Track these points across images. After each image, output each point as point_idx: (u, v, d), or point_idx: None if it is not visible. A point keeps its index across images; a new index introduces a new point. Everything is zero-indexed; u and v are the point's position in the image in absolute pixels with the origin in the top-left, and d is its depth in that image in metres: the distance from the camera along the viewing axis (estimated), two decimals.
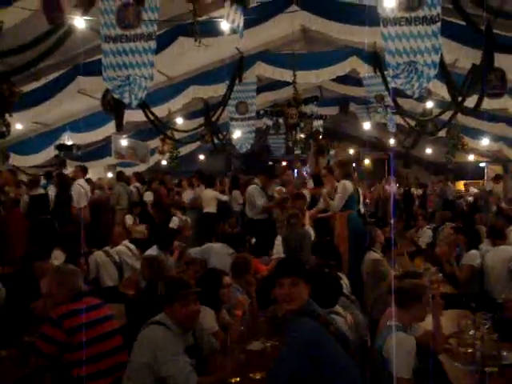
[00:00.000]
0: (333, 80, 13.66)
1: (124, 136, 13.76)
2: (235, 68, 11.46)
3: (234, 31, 6.69)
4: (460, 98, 8.76)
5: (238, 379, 3.61)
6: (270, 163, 11.25)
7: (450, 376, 3.83)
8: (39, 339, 3.98)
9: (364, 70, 12.13)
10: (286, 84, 12.52)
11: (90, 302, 4.25)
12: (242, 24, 6.59)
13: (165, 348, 3.57)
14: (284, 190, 9.95)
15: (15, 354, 4.16)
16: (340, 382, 3.32)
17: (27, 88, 8.71)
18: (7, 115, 7.79)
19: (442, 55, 7.25)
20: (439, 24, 6.62)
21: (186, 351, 3.71)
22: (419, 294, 3.99)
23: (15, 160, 11.92)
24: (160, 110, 11.39)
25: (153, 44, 6.95)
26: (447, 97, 9.35)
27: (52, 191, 10.32)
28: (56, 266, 5.15)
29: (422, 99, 11.60)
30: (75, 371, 3.85)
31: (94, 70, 8.12)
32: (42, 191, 10.14)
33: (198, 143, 15.71)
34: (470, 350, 4.07)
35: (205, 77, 11.84)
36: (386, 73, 9.65)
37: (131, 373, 3.64)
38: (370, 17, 7.26)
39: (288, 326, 3.46)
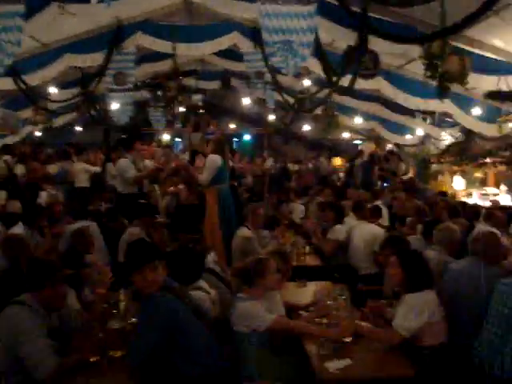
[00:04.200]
0: (215, 54, 13.58)
1: None
2: (113, 37, 11.09)
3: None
4: (335, 78, 9.07)
5: (98, 358, 3.52)
6: (123, 136, 10.76)
7: (305, 345, 3.96)
8: None
9: (245, 45, 12.17)
10: (168, 56, 12.30)
11: None
12: None
13: (26, 329, 3.45)
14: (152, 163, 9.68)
15: None
16: (194, 350, 3.39)
17: None
18: None
19: (317, 35, 7.42)
20: (315, 5, 6.76)
21: (50, 333, 3.59)
22: (262, 269, 4.15)
23: None
24: (32, 79, 10.76)
25: (21, 8, 6.54)
26: (324, 75, 9.60)
27: None
28: None
29: (300, 77, 11.82)
30: None
31: None
32: None
33: (75, 115, 15.10)
34: (325, 321, 4.23)
35: (81, 45, 11.24)
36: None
37: None
38: None
39: (145, 302, 3.47)
